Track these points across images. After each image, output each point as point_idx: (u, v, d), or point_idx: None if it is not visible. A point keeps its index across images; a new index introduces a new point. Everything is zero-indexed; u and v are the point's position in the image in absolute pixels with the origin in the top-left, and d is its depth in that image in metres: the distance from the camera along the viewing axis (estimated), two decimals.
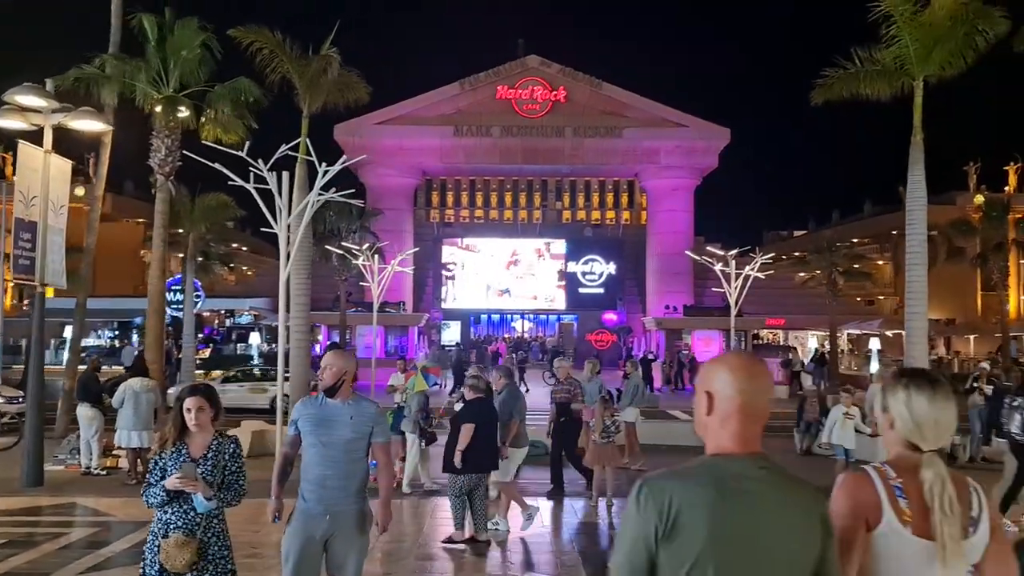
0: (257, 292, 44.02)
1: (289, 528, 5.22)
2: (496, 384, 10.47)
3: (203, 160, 15.18)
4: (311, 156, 16.43)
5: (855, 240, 58.39)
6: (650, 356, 34.23)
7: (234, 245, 51.61)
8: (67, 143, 19.19)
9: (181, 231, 30.52)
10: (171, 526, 4.80)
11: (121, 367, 28.20)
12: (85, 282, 20.18)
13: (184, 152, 16.87)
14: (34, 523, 10.12)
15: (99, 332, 44.95)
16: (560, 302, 48.35)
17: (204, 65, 17.56)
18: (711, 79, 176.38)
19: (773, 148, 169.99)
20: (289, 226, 16.31)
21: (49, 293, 40.10)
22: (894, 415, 2.64)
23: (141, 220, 48.43)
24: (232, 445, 5.04)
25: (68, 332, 36.67)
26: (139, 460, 13.02)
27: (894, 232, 46.20)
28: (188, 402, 4.92)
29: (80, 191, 42.43)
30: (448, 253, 47.40)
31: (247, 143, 17.51)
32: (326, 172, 15.47)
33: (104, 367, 25.18)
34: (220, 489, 4.90)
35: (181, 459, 4.83)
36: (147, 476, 4.92)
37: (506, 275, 47.90)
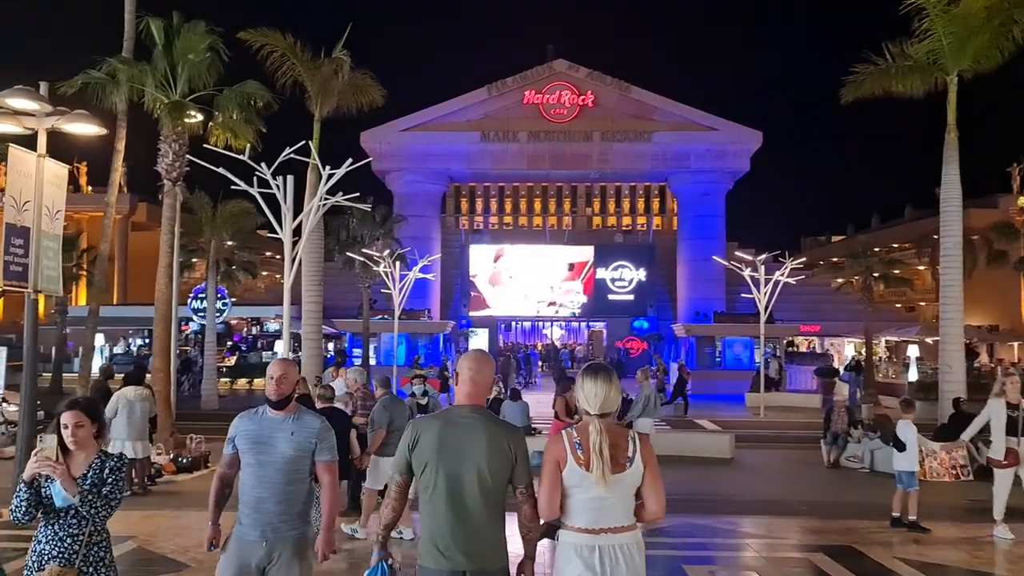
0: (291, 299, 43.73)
1: (223, 555, 4.73)
2: (377, 393, 10.50)
3: (210, 166, 14.93)
4: (317, 160, 16.09)
5: (895, 245, 57.10)
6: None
7: (267, 253, 51.57)
8: (96, 152, 19.19)
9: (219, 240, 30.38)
10: (45, 557, 4.28)
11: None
12: (99, 289, 19.99)
13: (195, 159, 16.55)
14: (12, 537, 9.71)
15: (130, 340, 45.05)
16: (588, 309, 47.62)
17: (212, 69, 17.21)
18: (742, 81, 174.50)
19: (811, 151, 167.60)
20: (300, 231, 16.01)
21: (81, 300, 40.27)
22: (577, 394, 4.18)
23: (180, 229, 48.47)
24: (113, 461, 4.53)
25: (96, 340, 36.91)
26: (133, 472, 12.65)
27: (935, 236, 45.03)
28: (65, 417, 4.42)
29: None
30: (476, 261, 46.87)
31: (256, 148, 17.26)
32: (331, 176, 15.12)
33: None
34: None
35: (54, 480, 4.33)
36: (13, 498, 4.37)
37: (536, 282, 47.23)
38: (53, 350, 34.37)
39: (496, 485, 4.00)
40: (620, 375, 18.25)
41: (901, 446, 10.81)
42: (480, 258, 47.00)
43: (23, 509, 4.25)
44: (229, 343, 40.75)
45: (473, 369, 4.19)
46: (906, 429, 10.92)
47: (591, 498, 3.93)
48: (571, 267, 47.09)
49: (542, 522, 4.11)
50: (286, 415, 4.80)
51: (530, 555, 4.12)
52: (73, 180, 53.12)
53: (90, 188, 52.32)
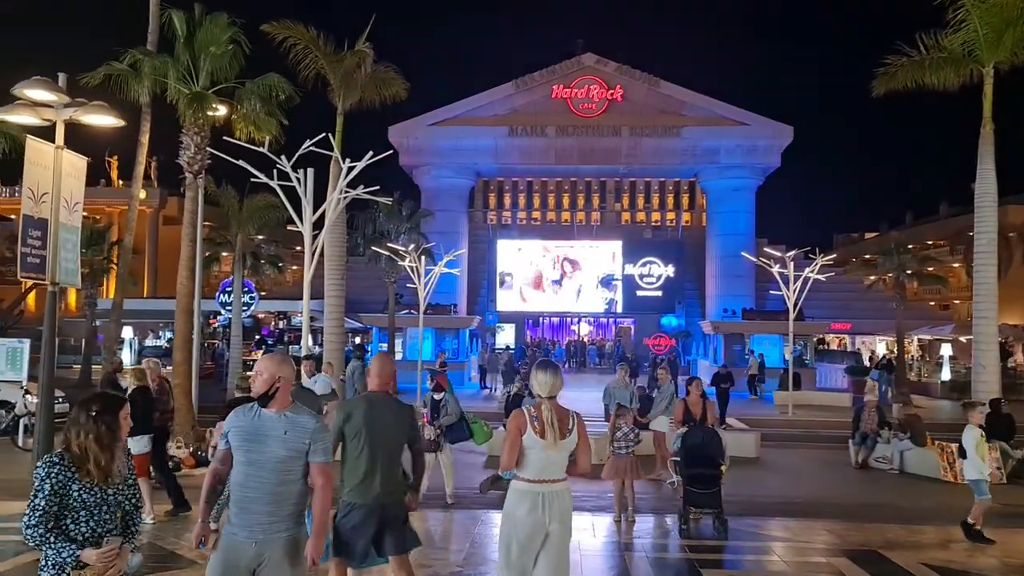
0: (314, 294, 43.75)
1: (213, 556, 4.58)
2: None
3: (232, 159, 14.86)
4: (337, 153, 16.00)
5: (929, 242, 56.21)
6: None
7: (296, 247, 51.75)
8: (130, 146, 19.29)
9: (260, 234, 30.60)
10: (101, 531, 4.10)
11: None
12: (123, 282, 20.04)
13: (217, 152, 16.50)
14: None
15: (160, 333, 45.35)
16: (616, 305, 47.40)
17: (234, 61, 17.15)
18: (774, 75, 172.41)
19: (845, 147, 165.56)
20: (322, 225, 15.92)
21: (112, 294, 40.64)
22: (532, 382, 5.58)
23: (207, 223, 48.89)
24: (130, 463, 4.40)
25: (125, 333, 37.17)
26: (150, 465, 12.57)
27: (970, 233, 44.16)
28: (127, 409, 4.27)
29: (143, 194, 43.02)
30: (502, 255, 46.77)
31: (279, 141, 17.19)
32: (351, 169, 15.00)
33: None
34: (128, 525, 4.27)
35: (94, 491, 4.10)
36: (34, 501, 3.99)
37: (559, 276, 47.12)
38: (83, 342, 34.60)
39: (400, 444, 6.02)
40: (634, 372, 17.77)
41: (964, 453, 10.14)
42: (507, 253, 46.87)
43: (70, 557, 4.02)
44: (257, 337, 40.88)
45: (378, 366, 6.16)
46: (968, 435, 10.15)
47: (540, 457, 5.33)
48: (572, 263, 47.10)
49: (497, 472, 5.82)
50: (279, 413, 4.64)
51: (417, 488, 6.37)
52: (105, 174, 53.71)
53: (121, 182, 52.77)
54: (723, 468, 10.37)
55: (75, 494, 4.03)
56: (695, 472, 10.36)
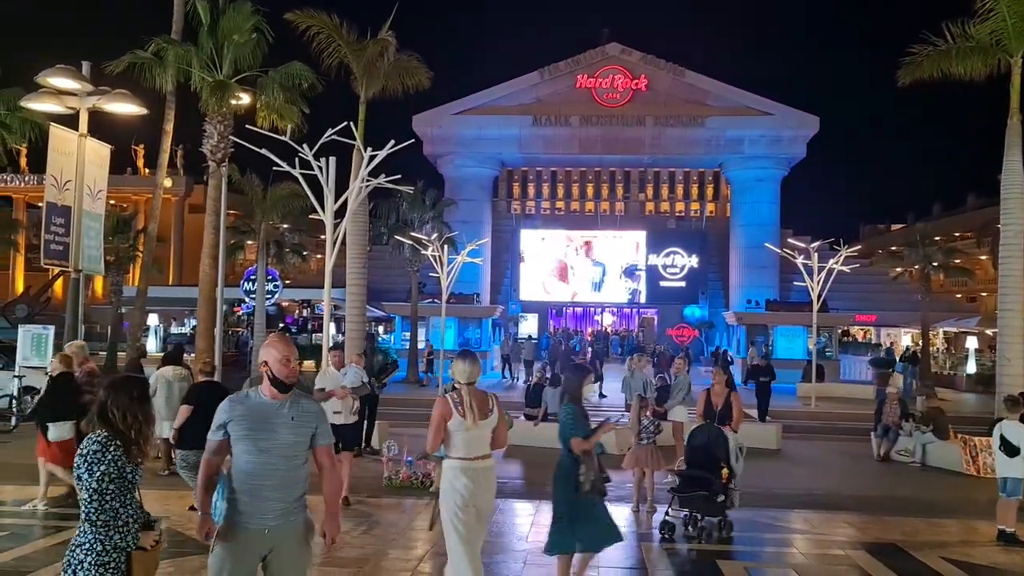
0: (338, 282, 43.82)
1: (220, 545, 4.51)
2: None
3: (254, 148, 14.89)
4: (359, 142, 15.99)
5: (956, 234, 55.59)
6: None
7: (320, 236, 51.95)
8: (157, 135, 19.54)
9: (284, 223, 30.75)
10: (138, 524, 4.17)
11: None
12: (146, 269, 20.23)
13: (240, 140, 16.58)
14: (45, 515, 9.81)
15: (184, 321, 45.72)
16: (639, 296, 47.32)
17: (258, 50, 17.26)
18: (799, 64, 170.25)
19: (872, 138, 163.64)
20: (344, 213, 15.94)
21: (136, 282, 40.86)
22: (453, 371, 6.28)
23: (231, 212, 49.06)
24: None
25: (151, 320, 37.53)
26: (172, 451, 12.70)
27: (997, 226, 43.55)
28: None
29: (168, 182, 43.28)
30: (526, 245, 46.81)
31: (301, 130, 17.31)
32: (372, 157, 14.99)
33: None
34: None
35: (137, 472, 4.19)
36: (102, 485, 3.99)
37: (585, 267, 47.12)
38: (108, 329, 34.90)
39: None
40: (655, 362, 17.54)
41: (1013, 451, 9.57)
42: (530, 243, 46.90)
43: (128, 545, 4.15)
44: (281, 325, 41.07)
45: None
46: (1018, 431, 9.67)
47: (466, 436, 6.01)
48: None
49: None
50: (284, 399, 4.64)
51: None
52: (132, 163, 54.16)
53: (147, 170, 53.17)
54: (724, 472, 9.48)
55: (128, 476, 4.09)
56: (690, 474, 9.68)
